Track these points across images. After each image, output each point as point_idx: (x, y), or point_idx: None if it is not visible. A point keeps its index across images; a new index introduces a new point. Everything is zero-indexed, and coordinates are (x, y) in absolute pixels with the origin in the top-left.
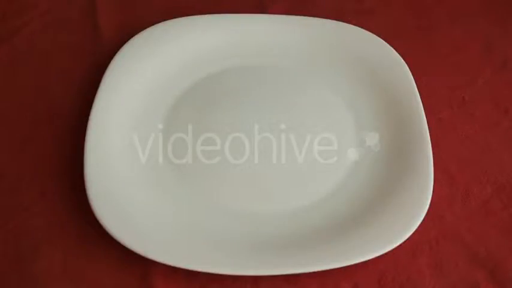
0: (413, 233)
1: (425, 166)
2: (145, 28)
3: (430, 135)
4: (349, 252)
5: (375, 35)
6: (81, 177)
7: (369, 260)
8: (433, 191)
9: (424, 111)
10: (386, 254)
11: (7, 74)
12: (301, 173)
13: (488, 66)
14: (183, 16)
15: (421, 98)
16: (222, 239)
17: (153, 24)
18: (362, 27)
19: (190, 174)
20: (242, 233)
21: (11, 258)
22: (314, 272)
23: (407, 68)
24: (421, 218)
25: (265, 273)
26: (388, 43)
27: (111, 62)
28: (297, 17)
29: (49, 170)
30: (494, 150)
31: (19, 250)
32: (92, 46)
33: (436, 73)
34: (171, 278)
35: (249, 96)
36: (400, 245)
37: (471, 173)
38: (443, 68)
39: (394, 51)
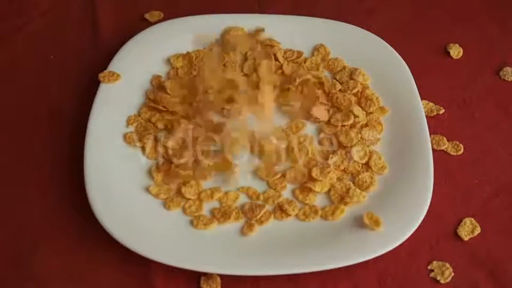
0: (413, 233)
1: (425, 166)
2: (145, 28)
3: (430, 135)
4: (349, 252)
5: (375, 35)
6: (81, 177)
7: (369, 260)
8: (433, 191)
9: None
10: (386, 254)
11: (7, 74)
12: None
13: (488, 66)
14: (183, 16)
15: (421, 98)
16: (223, 239)
17: (153, 24)
18: (362, 27)
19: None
20: (242, 233)
21: (11, 258)
22: (314, 272)
23: (408, 68)
24: (421, 218)
25: (265, 273)
26: (388, 43)
27: (111, 62)
28: (297, 17)
29: (49, 170)
30: (494, 151)
31: (19, 250)
32: (92, 46)
33: (436, 73)
34: (171, 278)
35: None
36: (400, 245)
37: (471, 173)
38: (443, 68)
39: (394, 51)
